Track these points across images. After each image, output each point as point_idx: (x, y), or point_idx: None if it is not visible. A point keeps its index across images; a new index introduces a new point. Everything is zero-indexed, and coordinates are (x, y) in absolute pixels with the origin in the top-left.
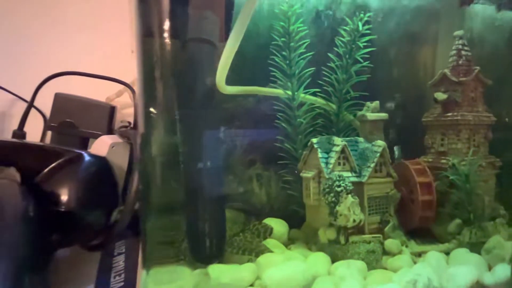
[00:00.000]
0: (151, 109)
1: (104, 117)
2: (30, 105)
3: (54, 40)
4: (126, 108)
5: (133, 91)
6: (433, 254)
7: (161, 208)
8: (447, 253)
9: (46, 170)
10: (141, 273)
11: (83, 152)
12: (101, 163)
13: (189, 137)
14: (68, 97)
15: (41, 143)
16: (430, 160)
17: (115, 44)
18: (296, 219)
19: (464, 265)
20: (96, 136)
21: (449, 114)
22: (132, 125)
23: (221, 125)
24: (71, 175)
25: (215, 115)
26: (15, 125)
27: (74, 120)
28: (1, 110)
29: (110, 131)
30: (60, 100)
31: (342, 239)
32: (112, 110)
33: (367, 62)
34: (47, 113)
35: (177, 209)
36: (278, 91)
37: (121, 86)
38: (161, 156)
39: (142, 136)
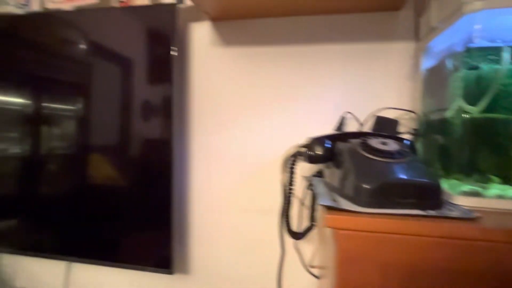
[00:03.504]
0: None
1: (395, 126)
2: (362, 124)
3: (380, 88)
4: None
5: (414, 113)
6: None
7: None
8: None
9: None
10: None
11: (405, 139)
12: (413, 144)
13: None
14: (381, 117)
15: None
16: None
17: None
18: None
19: None
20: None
21: None
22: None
23: None
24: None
25: None
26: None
27: (382, 129)
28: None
29: (396, 133)
30: (378, 119)
31: None
32: (397, 122)
33: None
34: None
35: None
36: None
37: (403, 112)
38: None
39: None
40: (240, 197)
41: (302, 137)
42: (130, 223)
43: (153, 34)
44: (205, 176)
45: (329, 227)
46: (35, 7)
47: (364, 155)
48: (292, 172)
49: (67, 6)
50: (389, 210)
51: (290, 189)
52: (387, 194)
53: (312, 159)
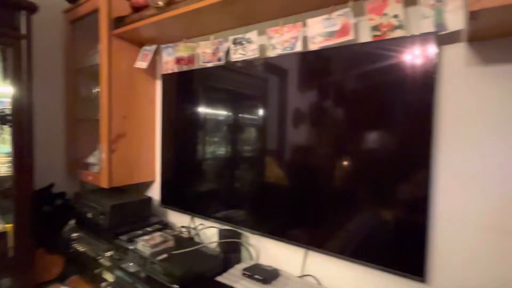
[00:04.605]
0: None
1: None
2: None
3: None
4: None
5: None
6: None
7: None
8: None
9: None
10: None
11: None
12: None
13: None
14: None
15: None
16: None
17: None
18: None
19: None
20: None
21: None
22: None
23: None
24: None
25: None
26: None
27: None
28: None
29: None
30: None
31: None
32: None
33: None
34: None
35: None
36: None
37: None
38: None
39: None
40: (495, 218)
41: None
42: (380, 225)
43: (414, 61)
44: (454, 192)
45: None
46: (298, 48)
47: None
48: None
49: (325, 45)
50: None
51: None
52: None
53: None
